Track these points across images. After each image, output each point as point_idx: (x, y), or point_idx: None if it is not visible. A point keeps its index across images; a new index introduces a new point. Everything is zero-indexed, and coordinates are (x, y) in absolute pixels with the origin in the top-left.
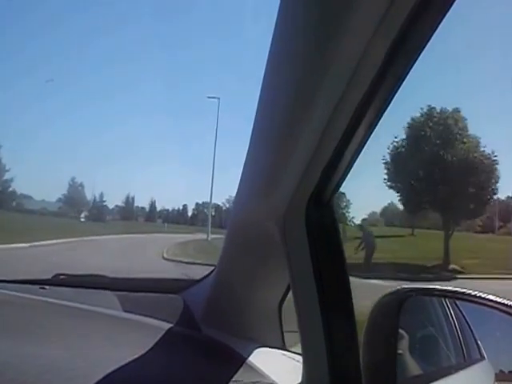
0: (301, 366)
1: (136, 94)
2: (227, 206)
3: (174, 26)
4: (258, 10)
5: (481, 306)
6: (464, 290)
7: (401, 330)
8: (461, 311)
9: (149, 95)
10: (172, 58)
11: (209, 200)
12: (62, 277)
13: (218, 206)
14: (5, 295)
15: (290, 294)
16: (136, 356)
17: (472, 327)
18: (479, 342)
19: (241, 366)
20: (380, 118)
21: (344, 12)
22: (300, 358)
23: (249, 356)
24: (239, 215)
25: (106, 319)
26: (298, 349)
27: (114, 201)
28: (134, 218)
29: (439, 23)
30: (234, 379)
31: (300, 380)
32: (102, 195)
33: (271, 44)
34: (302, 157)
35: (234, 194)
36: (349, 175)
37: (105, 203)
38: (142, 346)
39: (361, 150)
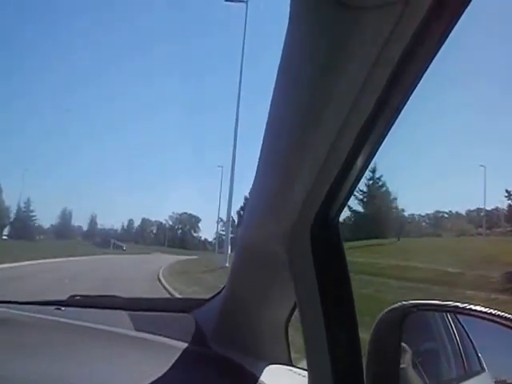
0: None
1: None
2: (170, 223)
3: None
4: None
5: (482, 320)
6: (465, 305)
7: (404, 345)
8: (462, 325)
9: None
10: None
11: (149, 217)
12: (76, 298)
13: (161, 223)
14: (22, 316)
15: (297, 311)
16: (150, 374)
17: (473, 340)
18: (480, 355)
19: (250, 382)
20: (383, 140)
21: (347, 39)
22: (306, 373)
23: (258, 373)
24: (247, 235)
25: (120, 338)
26: (305, 365)
27: (46, 216)
28: (73, 236)
29: (439, 49)
30: None
31: None
32: (28, 202)
33: (278, 70)
34: (306, 178)
35: (178, 211)
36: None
37: (34, 215)
38: (155, 364)
39: (365, 171)
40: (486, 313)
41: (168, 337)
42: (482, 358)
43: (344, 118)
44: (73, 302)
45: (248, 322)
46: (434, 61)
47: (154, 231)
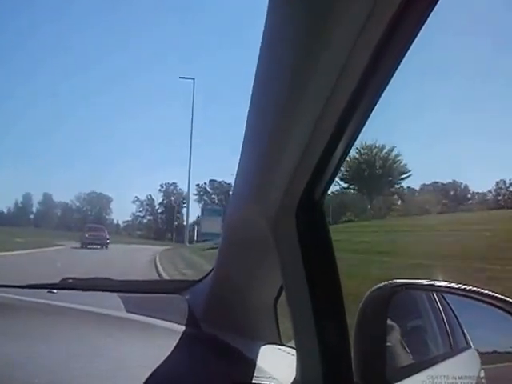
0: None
1: None
2: (77, 204)
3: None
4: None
5: (466, 299)
6: (451, 284)
7: (392, 323)
8: (448, 303)
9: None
10: None
11: (53, 196)
12: (69, 280)
13: (67, 204)
14: (14, 300)
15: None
16: (141, 355)
17: (458, 318)
18: (465, 332)
19: (240, 361)
20: (367, 120)
21: (329, 17)
22: (295, 352)
23: (247, 352)
24: (234, 215)
25: (112, 320)
26: (294, 343)
27: None
28: None
29: (418, 31)
30: (234, 375)
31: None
32: None
33: (260, 50)
34: (291, 159)
35: (85, 190)
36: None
37: None
38: (146, 346)
39: (348, 153)
40: (470, 291)
41: (159, 318)
42: (467, 335)
43: (326, 101)
44: (65, 285)
45: (237, 303)
46: (415, 40)
47: (59, 214)
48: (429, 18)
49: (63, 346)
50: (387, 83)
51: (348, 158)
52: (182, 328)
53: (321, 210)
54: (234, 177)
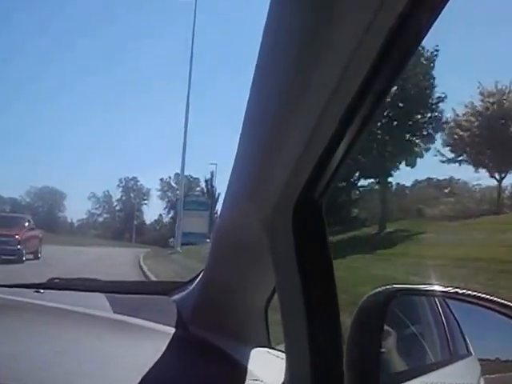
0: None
1: None
2: (28, 200)
3: None
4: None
5: (469, 305)
6: (451, 289)
7: (388, 328)
8: (450, 309)
9: None
10: None
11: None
12: (56, 280)
13: (16, 200)
14: (0, 299)
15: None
16: (128, 356)
17: (460, 324)
18: (466, 339)
19: (229, 364)
20: (372, 117)
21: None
22: (285, 355)
23: (236, 355)
24: (227, 214)
25: (99, 321)
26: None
27: None
28: None
29: (427, 31)
30: (222, 377)
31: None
32: None
33: (260, 46)
34: (290, 155)
35: (37, 184)
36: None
37: None
38: (133, 347)
39: (351, 151)
40: (472, 296)
41: (147, 319)
42: (468, 342)
43: (328, 97)
44: (52, 285)
45: (227, 305)
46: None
47: (8, 210)
48: (439, 17)
49: (48, 346)
50: (394, 80)
51: (470, 109)
52: (170, 330)
53: (319, 211)
54: (229, 177)
